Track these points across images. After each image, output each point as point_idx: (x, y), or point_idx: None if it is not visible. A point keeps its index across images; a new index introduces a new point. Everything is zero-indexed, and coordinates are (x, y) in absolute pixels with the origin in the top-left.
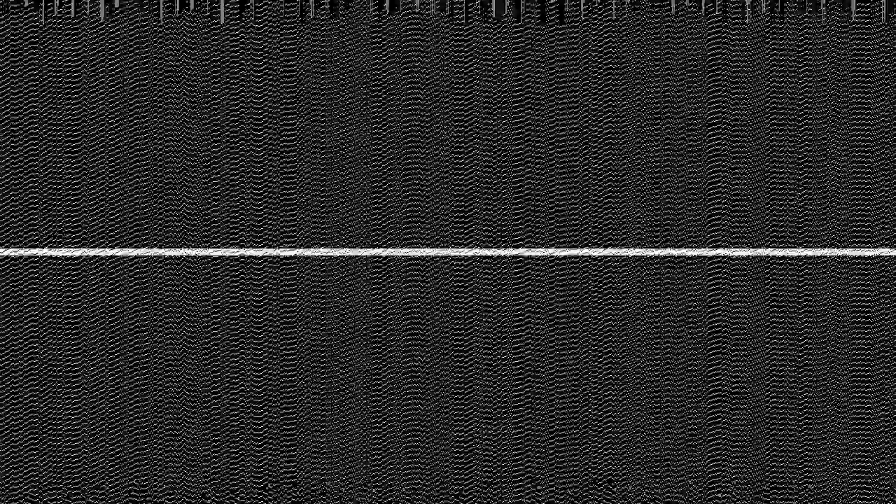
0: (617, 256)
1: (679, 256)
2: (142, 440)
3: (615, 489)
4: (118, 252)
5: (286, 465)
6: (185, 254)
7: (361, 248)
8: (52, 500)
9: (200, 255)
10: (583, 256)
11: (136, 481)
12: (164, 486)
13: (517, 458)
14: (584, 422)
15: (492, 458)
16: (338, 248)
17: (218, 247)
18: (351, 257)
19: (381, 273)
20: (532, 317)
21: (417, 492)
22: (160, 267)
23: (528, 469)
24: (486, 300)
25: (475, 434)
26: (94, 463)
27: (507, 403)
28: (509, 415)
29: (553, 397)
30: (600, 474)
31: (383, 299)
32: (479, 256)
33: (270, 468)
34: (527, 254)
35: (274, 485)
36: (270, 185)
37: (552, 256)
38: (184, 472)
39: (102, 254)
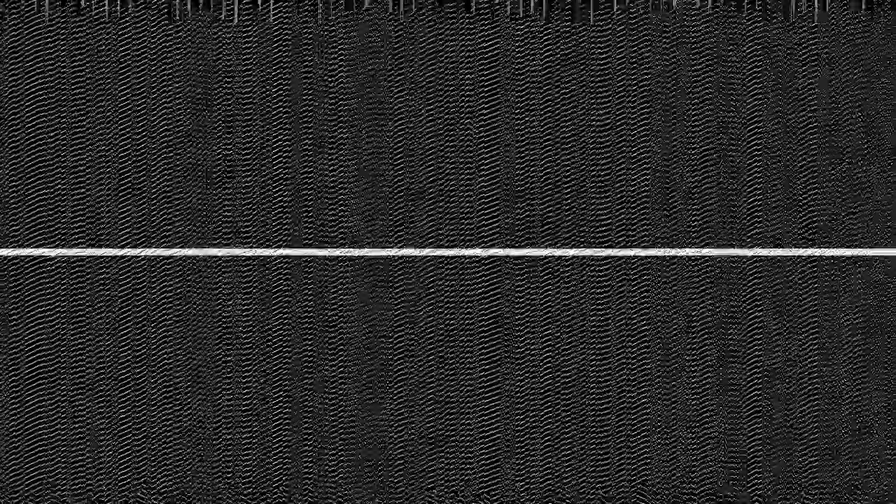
0: (639, 256)
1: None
2: (150, 441)
3: (646, 488)
4: (119, 252)
5: (299, 462)
6: (188, 254)
7: (383, 248)
8: (53, 501)
9: (204, 254)
10: (608, 256)
11: (145, 482)
12: (168, 487)
13: (546, 454)
14: (613, 422)
15: (518, 455)
16: (358, 248)
17: (228, 247)
18: (373, 257)
19: (404, 273)
20: (560, 316)
21: (439, 487)
22: (164, 267)
23: (555, 466)
24: (513, 300)
25: (502, 431)
26: (98, 463)
27: (535, 400)
28: (538, 412)
29: (581, 395)
30: (630, 472)
31: (406, 299)
32: (496, 256)
33: (284, 466)
34: (551, 253)
35: (288, 483)
36: (285, 185)
37: (580, 256)
38: (190, 472)
39: (105, 254)
